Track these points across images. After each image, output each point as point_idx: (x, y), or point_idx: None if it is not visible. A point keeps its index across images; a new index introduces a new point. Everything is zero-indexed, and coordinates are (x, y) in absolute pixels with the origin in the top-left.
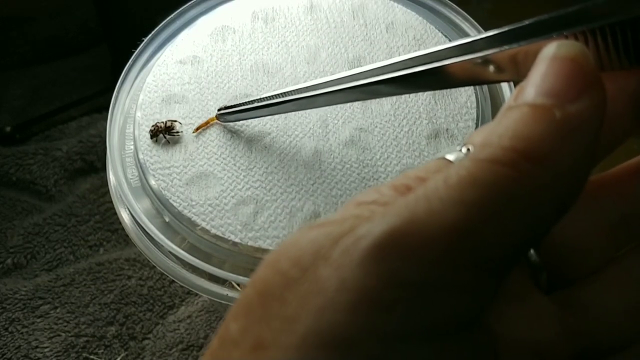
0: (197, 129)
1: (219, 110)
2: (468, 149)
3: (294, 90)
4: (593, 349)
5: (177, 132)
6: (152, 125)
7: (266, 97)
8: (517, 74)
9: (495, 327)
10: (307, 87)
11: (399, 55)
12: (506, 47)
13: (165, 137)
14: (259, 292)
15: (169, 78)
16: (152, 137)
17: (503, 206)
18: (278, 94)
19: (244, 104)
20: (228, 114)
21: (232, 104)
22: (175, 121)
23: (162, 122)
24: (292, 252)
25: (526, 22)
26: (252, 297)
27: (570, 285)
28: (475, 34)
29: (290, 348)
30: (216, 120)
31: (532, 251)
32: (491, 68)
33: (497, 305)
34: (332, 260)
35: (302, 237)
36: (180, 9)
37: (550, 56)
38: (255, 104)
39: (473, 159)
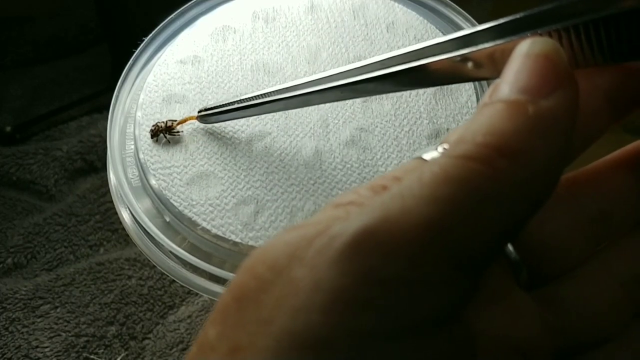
0: (177, 124)
1: (199, 112)
2: (444, 148)
3: (275, 91)
4: (574, 344)
5: (178, 131)
6: (153, 125)
7: (246, 99)
8: (496, 71)
9: (474, 324)
10: (288, 88)
11: None
12: (486, 45)
13: (165, 137)
14: (236, 298)
15: (169, 78)
16: (152, 136)
17: (476, 202)
18: (259, 95)
19: (222, 105)
20: (209, 116)
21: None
22: (176, 121)
23: (163, 122)
24: (267, 256)
25: (501, 20)
26: (228, 302)
27: (551, 282)
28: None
29: (265, 349)
30: (196, 120)
31: (511, 249)
32: (470, 65)
33: (477, 303)
34: (307, 260)
35: (278, 240)
36: (181, 9)
37: (523, 53)
38: (235, 105)
39: (447, 155)
